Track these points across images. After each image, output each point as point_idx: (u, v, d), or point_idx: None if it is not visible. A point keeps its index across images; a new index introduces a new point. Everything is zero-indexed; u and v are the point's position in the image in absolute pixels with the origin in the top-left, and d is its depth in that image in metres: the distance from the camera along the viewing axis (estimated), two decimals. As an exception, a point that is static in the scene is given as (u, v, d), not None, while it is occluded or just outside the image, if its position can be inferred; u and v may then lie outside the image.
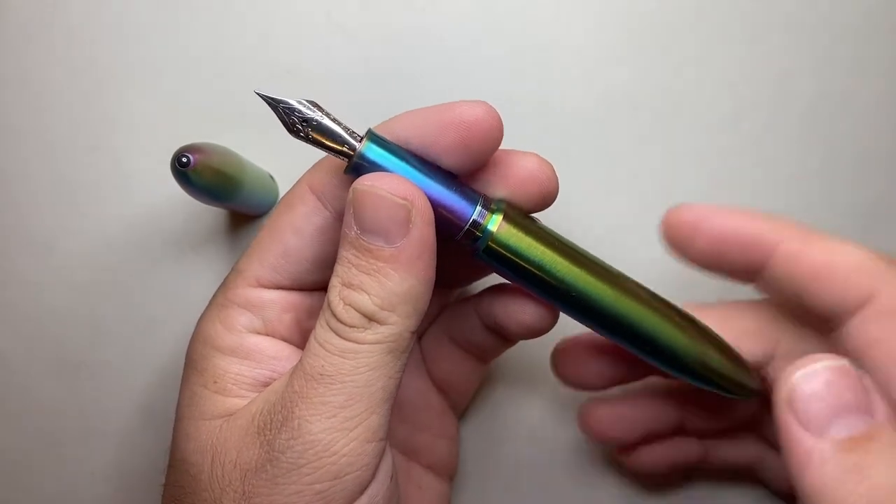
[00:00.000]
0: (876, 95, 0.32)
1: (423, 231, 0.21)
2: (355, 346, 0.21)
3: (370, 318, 0.21)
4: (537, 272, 0.23)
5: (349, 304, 0.21)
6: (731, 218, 0.25)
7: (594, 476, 0.32)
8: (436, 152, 0.22)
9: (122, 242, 0.32)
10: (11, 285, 0.32)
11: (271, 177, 0.32)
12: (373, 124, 0.23)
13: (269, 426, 0.21)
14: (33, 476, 0.32)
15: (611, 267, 0.24)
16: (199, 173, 0.24)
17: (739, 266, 0.25)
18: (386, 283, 0.21)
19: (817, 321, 0.24)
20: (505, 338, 0.27)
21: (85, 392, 0.32)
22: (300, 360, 0.22)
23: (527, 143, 0.31)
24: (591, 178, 0.32)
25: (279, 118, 0.22)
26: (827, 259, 0.23)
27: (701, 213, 0.25)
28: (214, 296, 0.25)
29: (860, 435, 0.19)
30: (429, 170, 0.22)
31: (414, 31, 0.32)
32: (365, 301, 0.21)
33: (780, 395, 0.20)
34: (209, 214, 0.32)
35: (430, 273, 0.22)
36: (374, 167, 0.22)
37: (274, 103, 0.22)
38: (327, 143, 0.22)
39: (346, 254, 0.22)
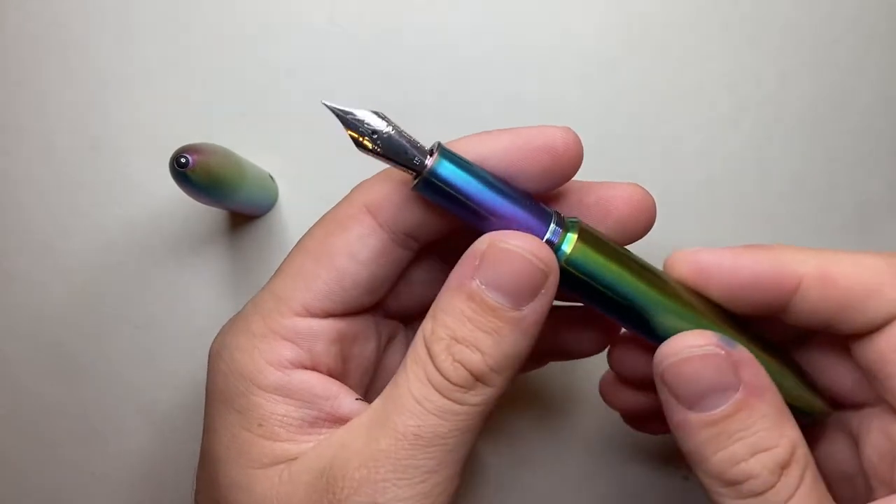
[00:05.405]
0: (876, 95, 0.32)
1: (549, 299, 0.21)
2: (457, 407, 0.20)
3: (478, 379, 0.20)
4: (609, 293, 0.22)
5: (459, 362, 0.20)
6: (744, 261, 0.22)
7: (597, 477, 0.32)
8: (517, 175, 0.22)
9: (122, 242, 0.32)
10: (11, 285, 0.32)
11: (271, 177, 0.32)
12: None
13: (339, 485, 0.20)
14: (33, 476, 0.32)
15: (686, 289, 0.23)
16: (199, 173, 0.24)
17: (763, 306, 0.23)
18: (502, 345, 0.20)
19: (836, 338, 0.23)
20: (553, 359, 0.27)
21: (85, 392, 0.32)
22: (385, 414, 0.21)
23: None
24: (591, 178, 0.32)
25: (348, 131, 0.20)
26: (855, 283, 0.22)
27: (708, 262, 0.22)
28: (247, 319, 0.23)
29: (721, 413, 0.20)
30: (503, 187, 0.21)
31: (414, 30, 0.32)
32: (477, 361, 0.20)
33: (657, 371, 0.21)
34: (209, 214, 0.32)
35: (536, 337, 0.21)
36: (445, 185, 0.21)
37: (343, 114, 0.20)
38: (395, 157, 0.20)
39: (460, 305, 0.21)
